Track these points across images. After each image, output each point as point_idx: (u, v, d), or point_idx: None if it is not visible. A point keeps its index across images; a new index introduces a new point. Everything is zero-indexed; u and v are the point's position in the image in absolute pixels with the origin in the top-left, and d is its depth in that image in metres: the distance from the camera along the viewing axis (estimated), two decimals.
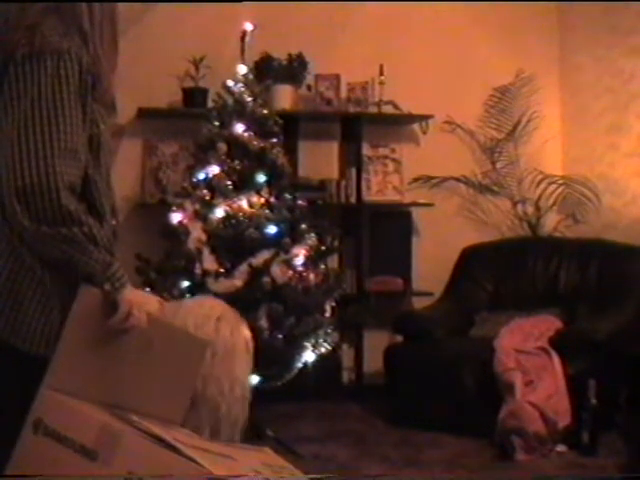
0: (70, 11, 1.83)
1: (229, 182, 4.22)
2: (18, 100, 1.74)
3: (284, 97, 5.32)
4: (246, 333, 3.10)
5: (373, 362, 5.29)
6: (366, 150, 5.58)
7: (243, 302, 3.79)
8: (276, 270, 4.09)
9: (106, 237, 1.82)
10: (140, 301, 1.84)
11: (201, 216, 4.20)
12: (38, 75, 1.74)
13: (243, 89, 4.40)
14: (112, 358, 1.84)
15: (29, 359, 1.80)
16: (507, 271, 5.39)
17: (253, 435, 4.18)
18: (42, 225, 1.70)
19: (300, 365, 4.15)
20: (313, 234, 4.33)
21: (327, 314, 4.22)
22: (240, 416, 2.91)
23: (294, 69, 5.35)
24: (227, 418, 2.83)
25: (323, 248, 4.36)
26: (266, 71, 5.11)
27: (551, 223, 5.75)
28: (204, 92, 5.17)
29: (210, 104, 4.90)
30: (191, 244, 4.15)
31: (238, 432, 2.93)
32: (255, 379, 3.96)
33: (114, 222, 1.95)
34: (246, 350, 3.05)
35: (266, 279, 4.05)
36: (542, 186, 5.69)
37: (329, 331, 4.19)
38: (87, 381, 1.81)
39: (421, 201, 5.62)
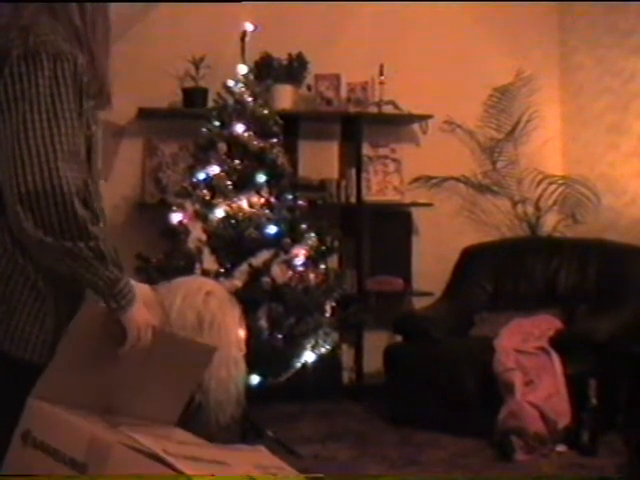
0: (62, 9, 1.80)
1: (229, 182, 4.22)
2: (15, 103, 1.69)
3: (284, 97, 5.32)
4: (236, 310, 3.09)
5: (373, 362, 5.29)
6: (366, 150, 5.58)
7: (243, 302, 3.79)
8: (276, 270, 4.09)
9: (112, 248, 1.75)
10: (146, 319, 1.79)
11: (201, 216, 4.20)
12: (35, 76, 1.70)
13: (243, 89, 4.39)
14: (108, 370, 1.80)
15: (22, 366, 1.75)
16: (507, 271, 5.39)
17: (253, 435, 4.18)
18: (47, 235, 1.64)
19: (300, 365, 4.15)
20: (313, 234, 4.32)
21: (327, 314, 4.22)
22: (228, 396, 2.88)
23: (294, 69, 5.35)
24: (214, 392, 2.80)
25: (323, 248, 4.36)
26: (266, 71, 5.12)
27: (551, 223, 5.75)
28: (204, 92, 5.17)
29: (210, 104, 4.90)
30: (191, 244, 4.15)
31: (225, 413, 2.89)
32: (255, 379, 3.97)
33: (101, 224, 1.85)
34: (236, 326, 3.03)
35: (266, 279, 4.05)
36: (542, 186, 5.69)
37: (329, 331, 4.19)
38: (79, 391, 1.77)
39: (421, 201, 5.62)
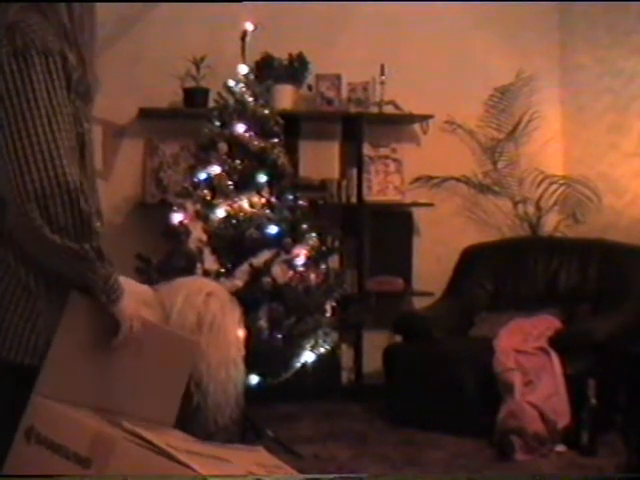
0: (51, 8, 1.79)
1: (230, 182, 4.23)
2: (11, 100, 1.68)
3: (285, 97, 5.32)
4: (236, 311, 3.10)
5: (373, 362, 5.30)
6: (367, 150, 5.58)
7: (244, 302, 3.80)
8: (277, 270, 4.10)
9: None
10: (135, 310, 1.82)
11: (202, 216, 4.20)
12: (28, 73, 1.68)
13: (244, 89, 4.39)
14: (103, 363, 1.82)
15: (14, 368, 1.75)
16: (507, 271, 5.39)
17: (253, 435, 4.19)
18: (54, 233, 1.64)
19: (300, 365, 4.15)
20: (314, 234, 4.33)
21: (327, 314, 4.23)
22: (227, 397, 2.88)
23: (295, 69, 5.36)
24: (213, 393, 2.80)
25: (324, 248, 4.36)
26: (267, 71, 5.12)
27: (552, 223, 5.75)
28: (205, 92, 5.17)
29: (211, 104, 4.90)
30: (192, 244, 4.15)
31: (224, 414, 2.89)
32: (254, 379, 3.97)
33: (99, 224, 1.85)
34: (235, 327, 3.03)
35: (267, 279, 4.05)
36: (543, 186, 5.69)
37: (328, 331, 4.19)
38: (79, 387, 1.78)
39: (422, 201, 5.63)
